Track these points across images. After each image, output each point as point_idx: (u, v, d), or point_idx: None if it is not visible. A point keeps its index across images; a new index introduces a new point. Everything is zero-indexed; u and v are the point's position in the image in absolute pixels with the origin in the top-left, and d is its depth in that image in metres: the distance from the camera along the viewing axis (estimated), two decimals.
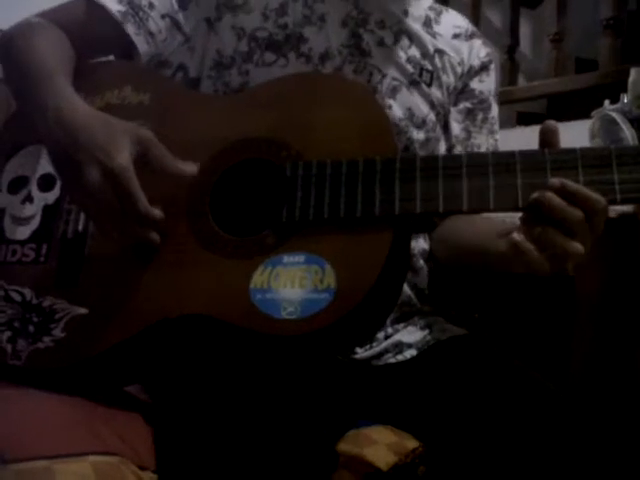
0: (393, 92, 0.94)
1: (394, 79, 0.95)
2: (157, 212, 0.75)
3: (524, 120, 2.54)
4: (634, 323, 1.24)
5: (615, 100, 1.64)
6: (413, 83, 0.96)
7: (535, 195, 0.70)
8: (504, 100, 2.33)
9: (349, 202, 0.75)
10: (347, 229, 0.74)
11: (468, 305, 1.20)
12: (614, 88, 1.77)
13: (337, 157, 0.77)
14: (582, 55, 2.67)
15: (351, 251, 0.73)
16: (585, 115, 1.73)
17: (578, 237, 0.69)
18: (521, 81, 2.61)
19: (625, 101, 1.62)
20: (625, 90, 1.63)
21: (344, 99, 0.81)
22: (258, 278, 0.74)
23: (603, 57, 2.16)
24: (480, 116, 1.01)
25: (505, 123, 2.43)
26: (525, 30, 2.75)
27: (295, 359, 0.72)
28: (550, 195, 0.69)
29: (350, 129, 0.79)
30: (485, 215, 0.91)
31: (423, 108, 0.96)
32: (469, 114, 1.01)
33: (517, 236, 0.71)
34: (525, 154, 0.73)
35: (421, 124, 0.96)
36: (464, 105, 1.01)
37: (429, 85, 0.97)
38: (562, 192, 0.69)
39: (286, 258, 0.74)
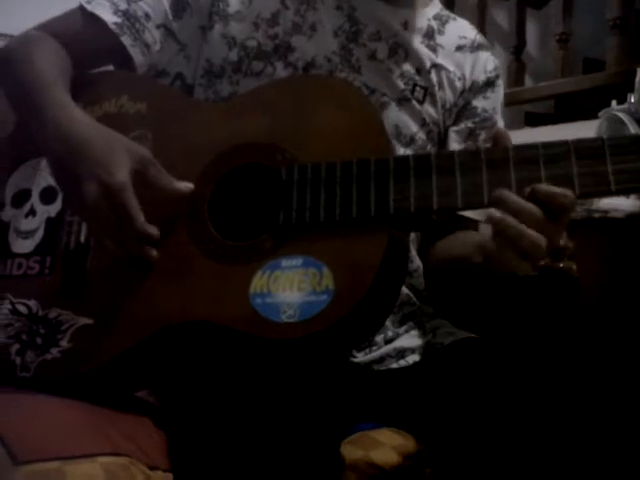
0: (381, 108, 0.92)
1: (383, 95, 0.93)
2: (154, 230, 0.76)
3: (532, 121, 2.54)
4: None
5: (622, 100, 1.64)
6: (403, 100, 0.94)
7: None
8: (511, 101, 2.34)
9: (344, 204, 0.75)
10: (343, 230, 0.74)
11: (470, 308, 1.20)
12: (621, 88, 1.77)
13: (331, 158, 0.77)
14: (589, 55, 2.66)
15: (348, 252, 0.73)
16: (592, 115, 1.72)
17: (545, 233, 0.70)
18: (528, 82, 2.61)
19: (632, 101, 1.61)
20: (632, 90, 1.63)
21: (336, 100, 0.81)
22: (257, 282, 0.74)
23: (610, 57, 2.16)
24: (482, 136, 0.98)
25: (512, 124, 2.43)
26: (532, 31, 2.74)
27: (297, 362, 0.72)
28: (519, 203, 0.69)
29: (343, 129, 0.79)
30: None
31: (411, 126, 0.94)
32: (471, 134, 0.98)
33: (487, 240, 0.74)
34: (518, 148, 0.73)
35: (409, 142, 0.94)
36: (465, 125, 0.98)
37: (421, 102, 0.95)
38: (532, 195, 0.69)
39: (284, 262, 0.74)
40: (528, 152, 0.72)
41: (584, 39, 2.58)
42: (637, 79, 1.65)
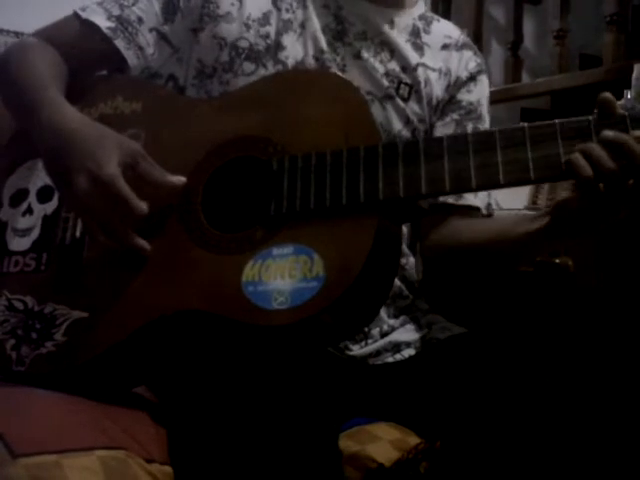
0: None
1: (367, 93, 0.93)
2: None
3: (528, 116, 2.54)
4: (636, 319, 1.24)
5: (619, 96, 1.64)
6: (387, 97, 0.94)
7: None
8: (508, 97, 2.34)
9: (334, 191, 0.76)
10: (333, 218, 0.75)
11: (465, 303, 1.20)
12: (618, 84, 1.77)
13: (322, 149, 0.78)
14: (586, 51, 2.66)
15: (338, 238, 0.74)
16: (589, 111, 1.72)
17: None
18: (525, 78, 2.61)
19: (629, 97, 1.61)
20: (629, 86, 1.63)
21: (325, 92, 0.83)
22: (249, 271, 0.75)
23: (607, 53, 2.16)
24: (470, 127, 0.99)
25: (509, 120, 2.43)
26: (529, 26, 2.74)
27: (289, 349, 0.73)
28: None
29: (333, 121, 0.80)
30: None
31: (395, 124, 0.95)
32: (458, 126, 0.98)
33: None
34: (504, 131, 0.74)
35: (392, 140, 0.93)
36: (451, 117, 0.99)
37: (406, 100, 0.95)
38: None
39: (275, 250, 0.75)
40: (513, 134, 0.73)
41: (581, 35, 2.58)
42: (634, 75, 1.65)
